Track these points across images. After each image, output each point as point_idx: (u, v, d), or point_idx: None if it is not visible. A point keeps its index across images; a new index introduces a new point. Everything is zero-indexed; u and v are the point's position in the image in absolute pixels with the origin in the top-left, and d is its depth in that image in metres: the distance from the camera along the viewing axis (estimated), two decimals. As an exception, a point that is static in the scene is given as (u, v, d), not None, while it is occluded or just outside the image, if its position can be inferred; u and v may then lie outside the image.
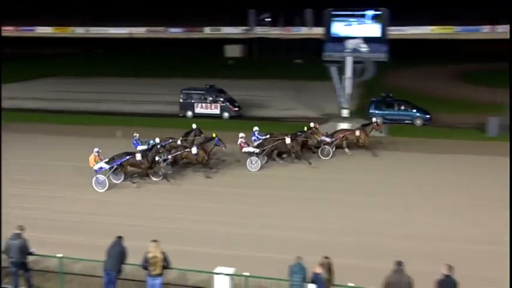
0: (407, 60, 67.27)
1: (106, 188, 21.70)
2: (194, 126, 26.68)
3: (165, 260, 12.62)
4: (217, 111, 36.04)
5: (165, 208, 20.01)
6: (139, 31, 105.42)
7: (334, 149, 26.23)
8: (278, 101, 41.43)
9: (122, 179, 22.66)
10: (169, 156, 23.52)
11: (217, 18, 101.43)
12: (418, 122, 33.59)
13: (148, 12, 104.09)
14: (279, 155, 25.53)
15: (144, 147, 23.98)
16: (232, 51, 72.35)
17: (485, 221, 18.14)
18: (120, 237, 13.16)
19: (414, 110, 34.04)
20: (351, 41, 30.61)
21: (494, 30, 69.07)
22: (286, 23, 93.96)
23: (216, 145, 24.02)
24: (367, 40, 30.37)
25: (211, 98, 36.17)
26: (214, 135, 24.20)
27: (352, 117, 31.85)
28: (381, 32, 30.35)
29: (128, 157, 22.37)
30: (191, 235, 17.42)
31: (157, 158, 22.69)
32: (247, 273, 12.61)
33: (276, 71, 57.30)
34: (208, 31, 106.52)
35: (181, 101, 36.65)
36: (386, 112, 33.92)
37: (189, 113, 36.11)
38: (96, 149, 22.16)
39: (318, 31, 48.59)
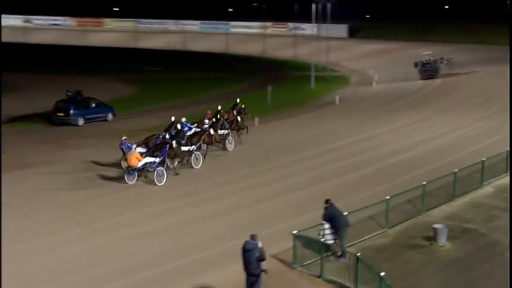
0: None
1: (165, 180, 20.95)
2: (173, 118, 25.03)
3: None
4: None
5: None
6: None
7: None
8: None
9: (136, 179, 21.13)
10: (199, 143, 23.92)
11: None
12: (110, 117, 33.54)
13: None
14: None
15: (141, 149, 22.51)
16: None
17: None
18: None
19: (103, 106, 33.86)
20: None
21: None
22: None
23: (222, 125, 25.46)
24: None
25: None
26: (219, 116, 25.65)
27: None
28: None
29: (167, 146, 21.96)
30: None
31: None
32: None
33: None
34: None
35: None
36: (86, 111, 32.79)
37: None
38: (134, 146, 21.49)
39: None
